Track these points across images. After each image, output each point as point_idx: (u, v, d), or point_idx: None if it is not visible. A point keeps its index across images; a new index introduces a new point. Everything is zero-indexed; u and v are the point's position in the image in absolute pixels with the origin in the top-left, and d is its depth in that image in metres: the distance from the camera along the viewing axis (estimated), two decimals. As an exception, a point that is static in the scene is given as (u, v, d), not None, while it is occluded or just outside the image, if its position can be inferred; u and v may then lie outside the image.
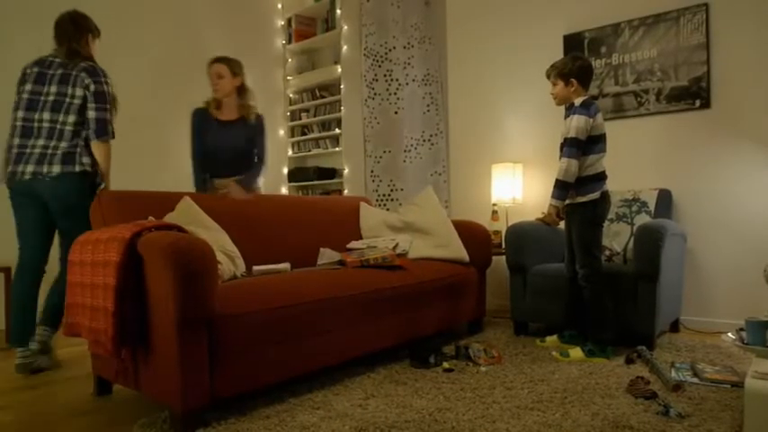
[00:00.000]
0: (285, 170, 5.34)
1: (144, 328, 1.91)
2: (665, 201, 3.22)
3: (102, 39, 2.79)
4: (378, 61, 4.31)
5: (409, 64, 4.42)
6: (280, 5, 5.34)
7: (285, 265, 2.66)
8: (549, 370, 2.48)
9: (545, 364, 2.57)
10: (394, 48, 4.32)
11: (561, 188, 2.69)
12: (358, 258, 2.77)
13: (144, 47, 4.24)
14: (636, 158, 3.54)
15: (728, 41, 3.22)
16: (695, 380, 2.26)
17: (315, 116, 5.16)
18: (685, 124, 3.38)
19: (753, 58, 3.15)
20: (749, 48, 3.16)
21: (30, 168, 2.54)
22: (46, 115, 2.57)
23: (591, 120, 2.64)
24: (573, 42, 3.77)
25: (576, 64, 2.71)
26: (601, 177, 2.70)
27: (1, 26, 3.56)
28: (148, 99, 4.19)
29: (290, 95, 5.40)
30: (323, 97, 5.10)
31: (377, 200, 4.36)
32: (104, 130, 2.63)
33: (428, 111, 4.50)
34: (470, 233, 3.29)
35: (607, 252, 3.15)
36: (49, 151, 2.50)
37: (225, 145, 3.14)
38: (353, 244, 3.25)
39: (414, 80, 4.43)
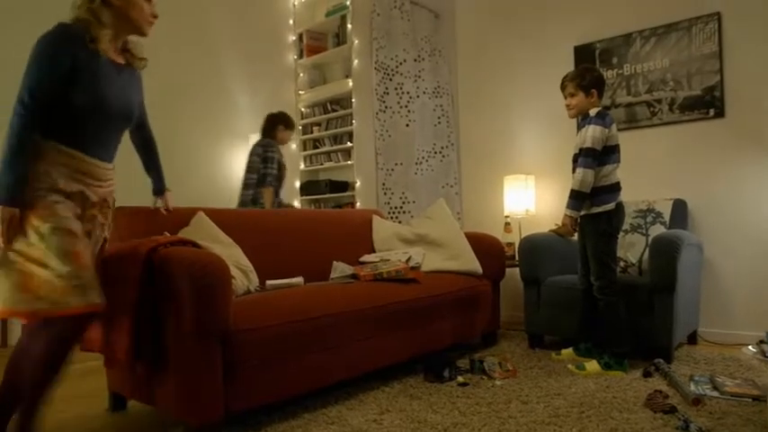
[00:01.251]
0: (297, 184, 5.36)
1: (159, 343, 1.91)
2: (680, 211, 3.19)
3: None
4: (389, 74, 4.33)
5: (420, 77, 4.44)
6: (291, 21, 5.40)
7: (298, 280, 2.67)
8: (565, 384, 2.45)
9: (561, 378, 2.54)
10: (404, 61, 4.34)
11: (577, 198, 2.67)
12: (371, 272, 2.76)
13: (155, 62, 4.29)
14: (650, 169, 3.51)
15: (741, 50, 3.20)
16: (715, 393, 2.22)
17: (326, 130, 5.18)
18: (699, 134, 3.35)
19: (766, 65, 3.12)
20: (763, 56, 3.13)
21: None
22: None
23: (606, 130, 2.64)
24: (584, 53, 3.77)
25: (595, 75, 2.72)
26: (616, 188, 2.69)
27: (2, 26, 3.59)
28: (162, 116, 4.24)
29: (302, 109, 5.43)
30: (334, 111, 5.12)
31: (389, 212, 4.35)
32: (264, 181, 3.95)
33: (439, 123, 4.51)
34: (483, 245, 3.28)
35: (622, 263, 3.12)
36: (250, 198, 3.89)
37: (119, 103, 1.84)
38: (366, 257, 3.24)
39: (424, 92, 4.44)
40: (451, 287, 2.93)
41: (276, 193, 4.12)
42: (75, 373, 2.84)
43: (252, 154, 4.08)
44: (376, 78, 4.32)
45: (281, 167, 4.14)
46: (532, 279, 3.19)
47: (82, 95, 1.71)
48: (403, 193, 4.38)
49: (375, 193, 4.44)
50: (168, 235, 2.21)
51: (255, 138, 4.88)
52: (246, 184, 4.02)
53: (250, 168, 4.02)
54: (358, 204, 4.84)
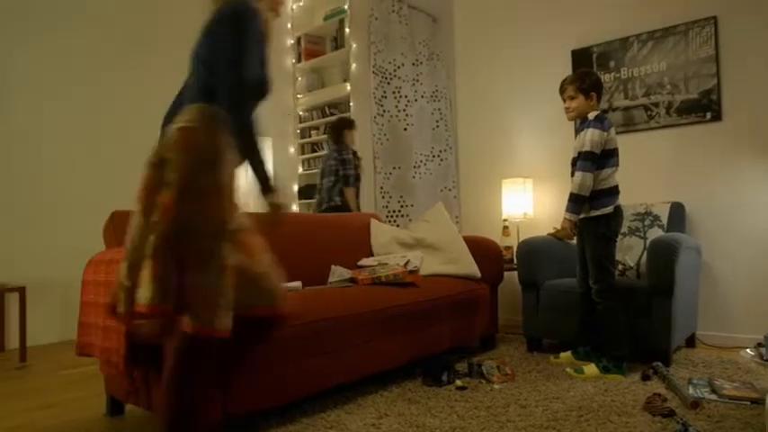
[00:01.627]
0: (296, 187, 5.37)
1: (156, 347, 1.91)
2: (677, 214, 3.19)
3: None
4: (386, 78, 4.34)
5: (418, 80, 4.45)
6: (289, 25, 5.42)
7: (296, 284, 2.66)
8: (563, 387, 2.44)
9: (559, 382, 2.54)
10: (402, 65, 4.35)
11: (576, 202, 2.68)
12: (369, 276, 2.76)
13: (153, 63, 4.30)
14: (647, 172, 3.52)
15: (738, 54, 3.21)
16: (713, 397, 2.21)
17: (325, 133, 5.19)
18: (697, 137, 3.36)
19: (763, 69, 3.13)
20: (759, 59, 3.14)
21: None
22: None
23: (605, 133, 2.64)
24: (581, 57, 3.78)
25: (593, 78, 2.74)
26: (614, 191, 2.69)
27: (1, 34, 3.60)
28: (159, 117, 4.24)
29: (300, 113, 5.44)
30: (332, 115, 5.13)
31: (387, 216, 4.36)
32: (347, 182, 4.11)
33: (437, 127, 4.51)
34: (481, 249, 3.28)
35: (620, 266, 3.12)
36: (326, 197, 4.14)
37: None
38: (364, 261, 3.24)
39: (422, 96, 4.45)
40: (450, 291, 2.93)
41: (357, 194, 4.25)
42: (71, 377, 2.83)
43: (327, 159, 4.29)
44: (374, 82, 4.32)
45: (357, 167, 4.28)
46: (531, 282, 3.19)
47: (265, 74, 1.60)
48: (401, 196, 4.38)
49: (373, 197, 4.44)
50: (166, 239, 2.20)
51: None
52: (328, 188, 4.22)
53: (327, 173, 4.22)
54: (356, 208, 4.84)
